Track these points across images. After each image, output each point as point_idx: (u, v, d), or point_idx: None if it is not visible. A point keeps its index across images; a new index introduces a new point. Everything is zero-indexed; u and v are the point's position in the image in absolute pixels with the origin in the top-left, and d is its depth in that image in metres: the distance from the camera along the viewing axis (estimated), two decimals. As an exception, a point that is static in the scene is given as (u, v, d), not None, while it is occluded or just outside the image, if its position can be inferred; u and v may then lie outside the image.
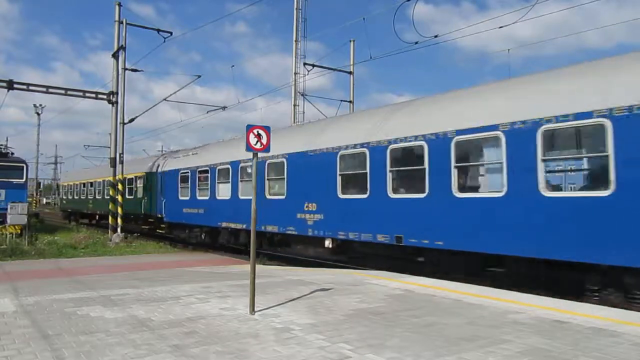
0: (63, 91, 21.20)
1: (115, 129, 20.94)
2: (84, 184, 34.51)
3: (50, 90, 21.13)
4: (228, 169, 16.10)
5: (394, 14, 17.96)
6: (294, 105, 23.63)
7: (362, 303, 6.99)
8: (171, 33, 21.12)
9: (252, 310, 6.33)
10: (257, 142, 6.78)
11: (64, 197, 41.42)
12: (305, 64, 23.75)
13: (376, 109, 12.37)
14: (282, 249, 15.64)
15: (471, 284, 8.59)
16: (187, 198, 18.83)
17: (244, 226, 14.96)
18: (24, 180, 21.72)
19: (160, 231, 22.62)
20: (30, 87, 20.61)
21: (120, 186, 21.17)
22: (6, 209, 18.61)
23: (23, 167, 22.14)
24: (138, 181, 24.85)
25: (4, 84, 19.53)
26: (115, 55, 20.84)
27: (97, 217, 31.89)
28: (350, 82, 25.58)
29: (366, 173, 10.71)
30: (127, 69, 21.10)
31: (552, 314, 6.18)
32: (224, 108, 25.11)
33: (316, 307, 6.73)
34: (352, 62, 25.44)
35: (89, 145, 63.16)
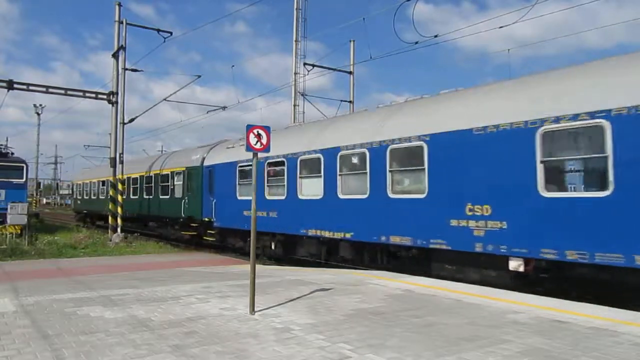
0: (63, 91, 21.23)
1: (115, 129, 20.96)
2: (102, 181, 29.34)
3: (50, 90, 21.16)
4: (318, 158, 12.51)
5: (394, 14, 17.89)
6: (294, 105, 23.66)
7: (362, 303, 6.99)
8: (171, 33, 21.19)
9: (252, 310, 6.34)
10: (257, 142, 6.76)
11: (78, 197, 36.95)
12: (305, 64, 23.78)
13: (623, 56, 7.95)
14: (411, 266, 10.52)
15: (471, 284, 8.58)
16: (251, 198, 15.55)
17: (348, 235, 11.44)
18: (24, 180, 21.80)
19: (208, 239, 18.35)
20: (30, 87, 20.65)
21: (120, 186, 21.16)
22: (6, 209, 18.69)
23: (23, 167, 22.21)
24: (176, 178, 21.12)
25: (4, 84, 19.56)
26: (115, 55, 20.87)
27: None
28: (350, 82, 25.63)
29: (605, 157, 7.10)
30: (127, 69, 21.12)
31: (552, 314, 6.18)
32: (224, 108, 25.18)
33: (316, 307, 6.73)
34: (352, 62, 25.49)
35: (89, 145, 63.51)
